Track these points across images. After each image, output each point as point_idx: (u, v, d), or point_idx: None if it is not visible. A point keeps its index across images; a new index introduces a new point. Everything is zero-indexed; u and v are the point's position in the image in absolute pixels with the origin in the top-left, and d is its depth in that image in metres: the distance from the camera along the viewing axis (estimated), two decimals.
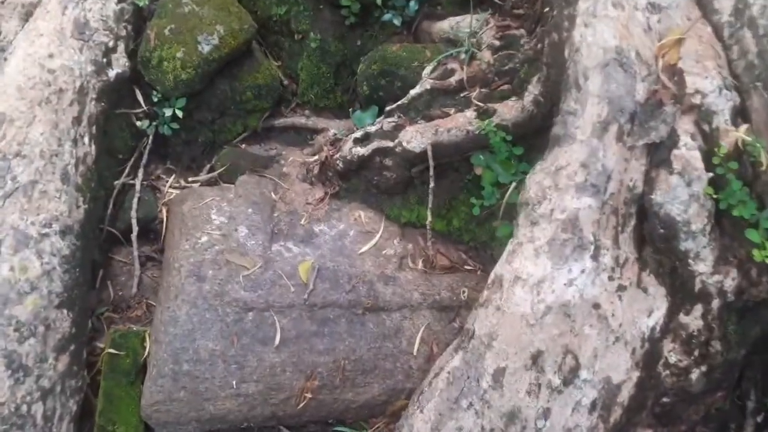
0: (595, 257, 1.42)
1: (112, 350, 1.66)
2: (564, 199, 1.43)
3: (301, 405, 1.66)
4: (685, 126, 1.41)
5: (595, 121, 1.45)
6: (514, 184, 1.66)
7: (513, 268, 1.47)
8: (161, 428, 1.63)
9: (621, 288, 1.43)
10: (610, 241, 1.43)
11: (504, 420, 1.44)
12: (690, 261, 1.37)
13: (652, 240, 1.43)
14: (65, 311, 1.59)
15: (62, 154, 1.75)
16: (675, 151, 1.41)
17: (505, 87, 1.82)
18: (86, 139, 1.84)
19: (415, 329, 1.77)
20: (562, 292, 1.42)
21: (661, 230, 1.40)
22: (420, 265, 1.90)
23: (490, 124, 1.65)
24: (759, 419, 1.47)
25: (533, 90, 1.69)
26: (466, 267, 1.93)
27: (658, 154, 1.44)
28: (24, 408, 1.44)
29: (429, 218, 1.86)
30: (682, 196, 1.39)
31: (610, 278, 1.43)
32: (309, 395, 1.66)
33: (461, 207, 1.93)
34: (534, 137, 1.78)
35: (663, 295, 1.43)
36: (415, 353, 1.74)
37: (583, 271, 1.42)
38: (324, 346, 1.70)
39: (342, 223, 1.97)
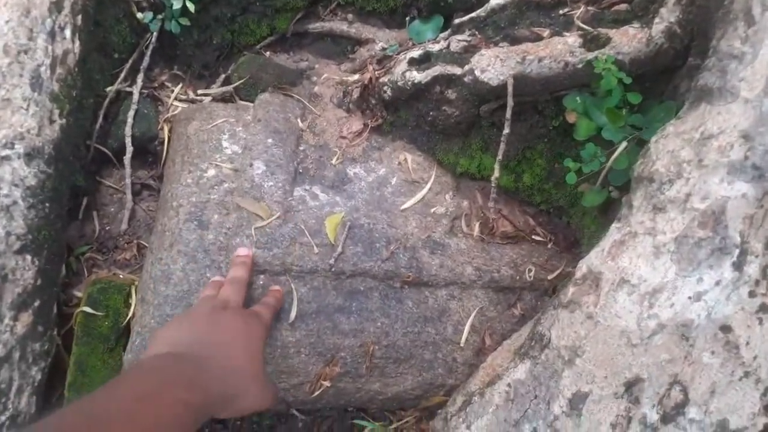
0: (737, 266, 1.02)
1: (87, 309, 1.33)
2: (708, 182, 1.01)
3: (317, 393, 1.35)
4: None
5: None
6: (624, 144, 1.23)
7: (618, 266, 1.08)
8: None
9: (764, 308, 1.04)
10: (762, 245, 1.02)
11: None
12: None
13: None
14: (29, 257, 1.26)
15: (34, 51, 1.34)
16: None
17: (624, 6, 1.35)
18: (68, 33, 1.43)
19: (465, 313, 1.42)
20: (684, 307, 1.03)
21: None
22: (476, 230, 1.51)
23: (609, 61, 1.20)
24: None
25: (668, 15, 1.22)
26: (533, 237, 1.54)
27: None
28: None
29: (496, 172, 1.44)
30: None
31: (752, 294, 1.03)
32: (327, 383, 1.34)
33: (537, 160, 1.51)
34: (654, 81, 1.33)
35: None
36: (462, 344, 1.39)
37: (718, 283, 1.02)
38: (350, 325, 1.35)
39: (383, 167, 1.57)
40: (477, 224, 1.53)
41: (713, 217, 1.01)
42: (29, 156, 1.28)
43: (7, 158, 1.25)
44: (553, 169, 1.52)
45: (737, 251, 1.02)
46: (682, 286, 1.03)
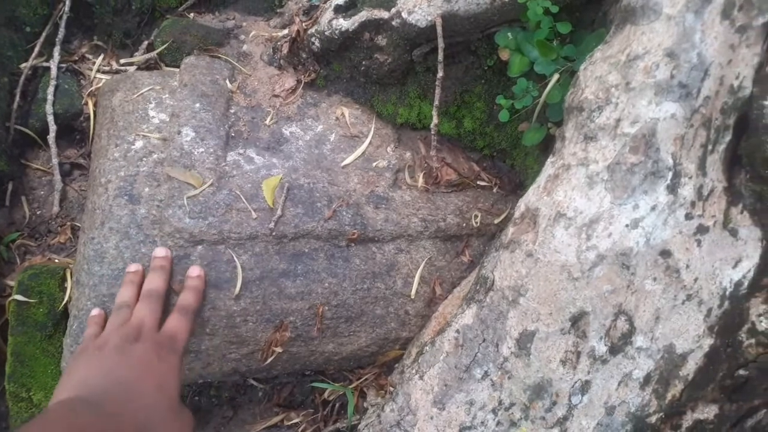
0: (672, 188, 1.01)
1: (19, 297, 1.27)
2: (637, 105, 0.99)
3: (269, 360, 1.32)
4: None
5: None
6: (555, 77, 1.20)
7: (554, 200, 1.06)
8: None
9: (701, 229, 1.03)
10: (695, 165, 1.01)
11: (528, 393, 1.10)
12: None
13: (753, 164, 1.01)
14: None
15: None
16: None
17: None
18: None
19: (414, 265, 1.39)
20: (622, 236, 1.02)
21: None
22: (421, 181, 1.48)
23: None
24: None
25: None
26: (478, 182, 1.51)
27: None
28: None
29: (435, 119, 1.40)
30: None
31: (688, 216, 1.02)
32: (279, 349, 1.31)
33: (476, 103, 1.47)
34: (582, 10, 1.29)
35: (757, 239, 1.03)
36: (413, 296, 1.37)
37: (653, 208, 1.01)
38: (297, 288, 1.32)
39: (320, 124, 1.51)
40: (421, 175, 1.49)
41: (644, 140, 0.99)
42: None
43: None
44: (492, 112, 1.49)
45: (671, 174, 1.00)
46: (619, 215, 1.01)
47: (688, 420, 1.13)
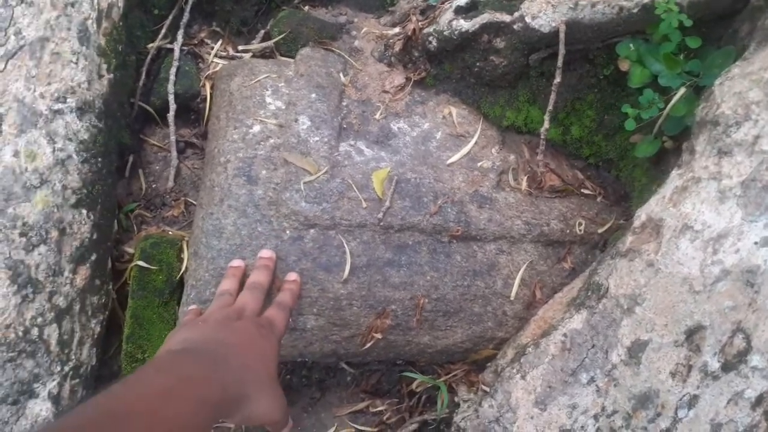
0: None
1: (141, 263, 1.35)
2: None
3: (368, 345, 1.36)
4: None
5: None
6: (683, 90, 1.20)
7: (681, 212, 1.06)
8: None
9: None
10: None
11: (633, 402, 1.11)
12: None
13: None
14: (84, 212, 1.27)
15: (80, 4, 1.34)
16: None
17: None
18: None
19: (515, 267, 1.41)
20: (750, 253, 1.02)
21: None
22: (524, 184, 1.50)
23: (670, 1, 1.16)
24: None
25: None
26: (582, 190, 1.52)
27: None
28: (35, 332, 1.16)
29: (546, 123, 1.42)
30: None
31: None
32: (378, 335, 1.35)
33: (587, 111, 1.48)
34: (712, 26, 1.29)
35: None
36: (512, 297, 1.39)
37: None
38: (400, 279, 1.36)
39: (427, 121, 1.55)
40: (524, 178, 1.51)
41: None
42: (81, 110, 1.28)
43: (60, 112, 1.25)
44: (602, 121, 1.49)
45: None
46: (749, 231, 1.01)
47: None
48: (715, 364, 1.07)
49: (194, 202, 1.58)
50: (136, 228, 1.52)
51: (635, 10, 1.26)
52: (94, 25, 1.35)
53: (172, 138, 1.62)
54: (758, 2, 1.20)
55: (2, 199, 1.17)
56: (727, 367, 1.07)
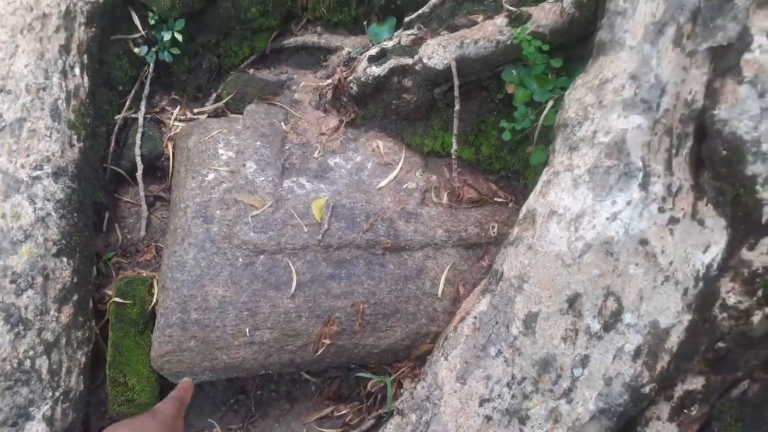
0: (643, 186, 1.22)
1: (118, 299, 1.57)
2: (609, 119, 1.22)
3: (320, 351, 1.56)
4: (761, 23, 1.15)
5: (649, 23, 1.20)
6: (551, 103, 1.44)
7: (548, 201, 1.29)
8: (174, 378, 1.55)
9: (673, 221, 1.23)
10: (662, 166, 1.22)
11: (536, 368, 1.30)
12: (758, 188, 1.15)
13: (713, 164, 1.21)
14: (65, 259, 1.50)
15: (50, 88, 1.60)
16: (746, 55, 1.15)
17: None
18: (77, 70, 1.69)
19: (440, 269, 1.62)
20: (605, 227, 1.23)
21: (724, 152, 1.17)
22: (445, 199, 1.72)
23: (524, 32, 1.41)
24: None
25: None
26: (496, 199, 1.75)
27: (725, 60, 1.19)
28: (27, 363, 1.37)
29: (454, 145, 1.66)
30: (751, 110, 1.15)
31: (661, 210, 1.23)
32: (327, 341, 1.55)
33: (491, 132, 1.72)
34: (575, 47, 1.54)
35: (722, 228, 1.22)
36: (439, 295, 1.60)
37: (629, 203, 1.22)
38: (341, 289, 1.57)
39: (359, 155, 1.79)
40: (445, 194, 1.74)
41: (616, 147, 1.21)
42: (56, 174, 1.53)
43: (38, 178, 1.50)
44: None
45: (641, 174, 1.21)
46: (600, 209, 1.23)
47: (678, 391, 1.30)
48: (596, 326, 1.27)
49: (163, 246, 1.81)
50: (114, 273, 1.74)
51: (509, 42, 1.52)
52: (64, 104, 1.61)
53: (142, 194, 1.86)
54: (600, 24, 1.45)
55: None
56: (607, 327, 1.27)
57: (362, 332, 1.57)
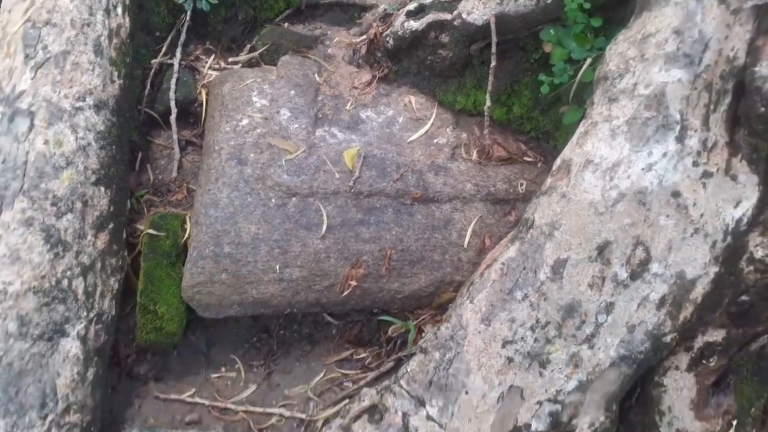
0: (680, 139, 1.25)
1: (151, 231, 1.60)
2: (650, 72, 1.25)
3: (346, 293, 1.60)
4: None
5: None
6: (589, 60, 1.47)
7: (584, 151, 1.32)
8: (203, 310, 1.60)
9: (706, 174, 1.26)
10: (699, 121, 1.25)
11: (561, 313, 1.34)
12: None
13: (749, 121, 1.25)
14: (102, 189, 1.53)
15: (94, 25, 1.63)
16: None
17: None
18: (119, 10, 1.72)
19: (467, 221, 1.66)
20: (639, 177, 1.26)
21: (762, 109, 1.20)
22: (474, 155, 1.76)
23: None
24: None
25: None
26: (525, 158, 1.78)
27: None
28: (65, 283, 1.41)
29: (488, 102, 1.69)
30: None
31: (695, 163, 1.26)
32: (354, 283, 1.59)
33: (524, 92, 1.75)
34: (615, 8, 1.56)
35: (755, 184, 1.26)
36: (465, 246, 1.63)
37: (664, 155, 1.25)
38: (370, 234, 1.60)
39: (390, 109, 1.82)
40: (475, 151, 1.77)
41: (656, 99, 1.24)
42: (98, 107, 1.56)
43: (80, 109, 1.53)
44: (538, 99, 1.76)
45: (678, 127, 1.24)
46: (636, 160, 1.26)
47: (699, 342, 1.35)
48: (623, 274, 1.31)
49: (194, 188, 1.84)
50: (146, 210, 1.77)
51: (549, 1, 1.54)
52: (106, 41, 1.64)
53: (175, 136, 1.89)
54: None
55: (36, 176, 1.43)
56: (634, 276, 1.30)
57: (388, 276, 1.61)
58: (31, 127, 1.47)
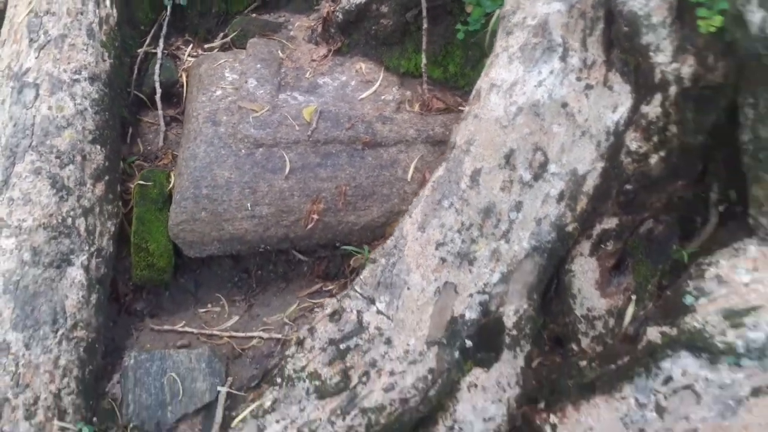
0: (563, 58, 1.53)
1: (141, 182, 1.88)
2: (536, 6, 1.53)
3: (310, 226, 1.86)
4: None
5: None
6: (498, 12, 1.76)
7: (490, 77, 1.60)
8: (188, 248, 1.87)
9: (588, 87, 1.54)
10: (579, 43, 1.53)
11: (481, 215, 1.59)
12: (651, 54, 1.46)
13: (618, 40, 1.53)
14: (98, 146, 1.82)
15: (87, 13, 1.94)
16: None
17: None
18: (107, 2, 2.03)
19: (410, 160, 1.93)
20: (533, 93, 1.54)
21: (625, 28, 1.48)
22: (417, 107, 2.04)
23: None
24: (721, 209, 1.57)
25: None
26: (460, 108, 2.06)
27: None
28: (69, 221, 1.68)
29: (424, 60, 1.98)
30: None
31: (578, 78, 1.54)
32: (316, 217, 1.85)
33: (456, 52, 2.04)
34: None
35: (628, 92, 1.53)
36: (409, 179, 1.90)
37: (551, 72, 1.53)
38: (327, 174, 1.88)
39: (344, 75, 2.11)
40: (417, 104, 2.05)
41: (541, 28, 1.53)
42: (92, 79, 1.86)
43: (77, 80, 1.83)
44: (469, 57, 2.05)
45: (561, 49, 1.53)
46: (529, 79, 1.54)
47: (597, 230, 1.60)
48: (527, 176, 1.57)
49: (178, 154, 2.12)
50: (136, 172, 2.06)
51: None
52: (97, 27, 1.95)
53: (160, 112, 2.19)
54: None
55: (42, 135, 1.72)
56: (536, 177, 1.57)
57: (345, 210, 1.88)
58: (37, 96, 1.77)
